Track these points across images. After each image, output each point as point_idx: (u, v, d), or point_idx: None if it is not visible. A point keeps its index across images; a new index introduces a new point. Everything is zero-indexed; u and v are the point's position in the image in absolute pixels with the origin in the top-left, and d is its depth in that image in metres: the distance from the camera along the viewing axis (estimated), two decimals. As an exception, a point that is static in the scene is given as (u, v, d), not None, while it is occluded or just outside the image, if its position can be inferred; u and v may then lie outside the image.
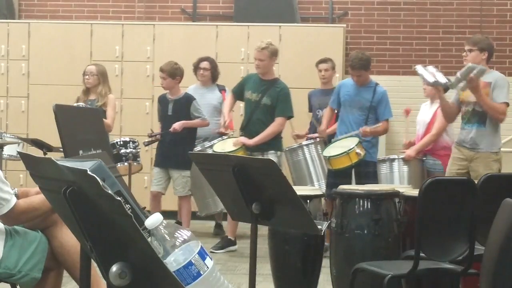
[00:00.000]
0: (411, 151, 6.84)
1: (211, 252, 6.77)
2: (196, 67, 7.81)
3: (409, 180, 6.60)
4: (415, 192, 4.23)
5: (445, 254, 3.59)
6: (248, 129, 6.75)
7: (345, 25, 9.63)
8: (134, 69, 9.34)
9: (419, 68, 5.84)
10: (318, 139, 7.12)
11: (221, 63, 8.47)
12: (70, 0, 10.19)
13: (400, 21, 9.84)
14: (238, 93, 6.93)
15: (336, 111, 6.93)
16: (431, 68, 5.85)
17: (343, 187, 4.87)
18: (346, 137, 6.53)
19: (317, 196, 5.05)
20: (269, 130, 6.65)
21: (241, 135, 6.82)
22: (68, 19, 10.02)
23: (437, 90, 5.83)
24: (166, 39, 9.35)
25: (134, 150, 7.41)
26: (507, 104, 5.71)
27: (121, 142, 7.42)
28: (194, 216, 8.26)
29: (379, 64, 9.79)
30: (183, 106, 7.23)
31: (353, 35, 9.86)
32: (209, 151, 6.86)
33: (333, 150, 6.41)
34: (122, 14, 10.13)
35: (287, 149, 7.19)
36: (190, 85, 7.82)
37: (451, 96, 6.05)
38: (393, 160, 6.76)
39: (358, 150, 6.25)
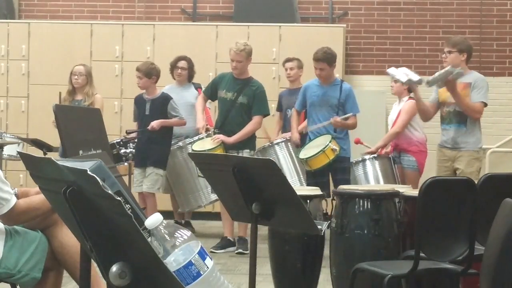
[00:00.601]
0: (373, 148, 6.86)
1: (211, 252, 6.78)
2: (174, 66, 7.87)
3: (384, 179, 6.61)
4: (415, 192, 4.23)
5: (445, 254, 3.59)
6: (224, 127, 6.81)
7: (345, 25, 9.63)
8: (134, 69, 9.32)
9: (391, 70, 5.99)
10: (289, 138, 7.14)
11: (220, 63, 8.49)
12: (70, 0, 10.19)
13: (400, 21, 9.84)
14: (210, 94, 7.01)
15: (304, 111, 6.98)
16: (403, 68, 5.98)
17: (343, 187, 4.87)
18: (317, 136, 6.56)
19: (317, 196, 5.05)
20: (248, 129, 6.74)
21: (217, 133, 6.85)
22: (68, 19, 10.02)
23: (412, 88, 5.96)
24: (166, 39, 9.35)
25: (134, 150, 7.41)
26: (485, 104, 5.84)
27: (121, 142, 7.42)
28: (197, 216, 8.29)
29: (379, 64, 9.79)
30: (160, 106, 7.30)
31: (353, 35, 9.86)
32: (189, 148, 6.98)
33: (308, 151, 6.45)
34: (122, 14, 10.13)
35: (258, 150, 7.22)
36: (166, 85, 7.88)
37: (427, 95, 6.11)
38: (364, 160, 6.76)
39: (333, 146, 6.30)
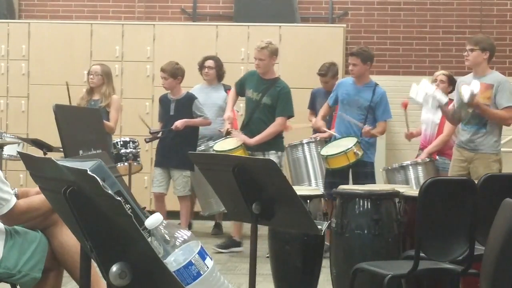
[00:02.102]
0: (423, 155, 6.82)
1: (214, 250, 6.77)
2: (201, 66, 7.81)
3: None
4: (415, 192, 4.23)
5: (445, 254, 3.60)
6: (248, 128, 6.73)
7: (345, 25, 9.63)
8: (134, 69, 9.34)
9: (414, 94, 5.84)
10: (319, 139, 7.11)
11: (221, 63, 8.46)
12: (70, 0, 10.19)
13: (400, 21, 9.84)
14: (240, 88, 6.91)
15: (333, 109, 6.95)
16: (424, 84, 5.86)
17: (343, 187, 4.87)
18: (346, 133, 6.52)
19: (317, 196, 5.05)
20: (270, 130, 6.63)
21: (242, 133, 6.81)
22: (68, 19, 10.01)
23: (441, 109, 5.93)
24: (166, 39, 9.35)
25: (134, 150, 7.41)
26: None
27: (121, 142, 7.42)
28: (196, 216, 8.27)
29: (379, 64, 9.78)
30: (185, 106, 7.22)
31: (353, 35, 9.85)
32: (211, 151, 6.85)
33: (331, 149, 6.40)
34: (122, 14, 10.13)
35: (288, 145, 7.18)
36: (192, 85, 7.82)
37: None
38: (406, 167, 6.70)
39: (356, 150, 6.24)
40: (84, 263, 2.37)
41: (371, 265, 3.82)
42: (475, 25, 9.71)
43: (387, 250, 4.42)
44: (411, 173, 6.69)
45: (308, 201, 4.85)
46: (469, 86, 5.58)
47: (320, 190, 5.39)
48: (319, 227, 3.08)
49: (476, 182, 3.71)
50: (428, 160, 6.74)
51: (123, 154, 7.32)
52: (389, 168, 6.85)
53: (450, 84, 6.84)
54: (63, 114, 3.33)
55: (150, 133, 7.33)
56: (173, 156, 7.14)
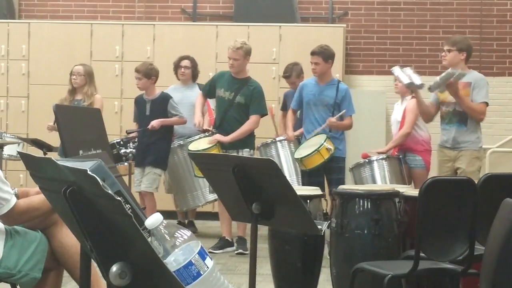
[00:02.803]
0: (384, 148, 6.83)
1: (210, 252, 6.77)
2: (177, 66, 7.88)
3: (391, 179, 6.58)
4: (415, 192, 4.23)
5: (445, 254, 3.59)
6: (222, 127, 6.82)
7: (345, 25, 9.63)
8: (134, 69, 9.33)
9: (395, 69, 6.00)
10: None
11: (221, 63, 8.48)
12: (70, 0, 10.19)
13: (400, 21, 9.84)
14: (208, 92, 7.01)
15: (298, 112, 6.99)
16: (407, 69, 5.99)
17: (343, 187, 4.87)
18: (313, 136, 6.55)
19: (317, 196, 5.05)
20: (245, 128, 6.74)
21: (214, 133, 6.86)
22: (68, 19, 10.01)
23: (414, 91, 5.95)
24: (166, 39, 9.35)
25: (134, 150, 7.41)
26: (487, 104, 5.86)
27: (121, 142, 7.42)
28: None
29: (379, 64, 9.79)
30: (160, 106, 7.32)
31: (353, 35, 9.85)
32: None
33: (303, 151, 6.45)
34: (122, 14, 10.13)
35: (261, 145, 7.24)
36: (171, 85, 7.89)
37: (428, 95, 6.11)
38: (371, 162, 6.71)
39: (328, 146, 6.30)
40: (84, 263, 2.37)
41: (371, 265, 3.82)
42: (475, 25, 9.71)
43: (387, 250, 4.42)
44: (376, 168, 6.68)
45: (308, 201, 4.85)
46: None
47: (319, 190, 5.38)
48: (319, 227, 3.08)
49: (476, 182, 3.71)
50: (387, 156, 6.70)
51: (123, 154, 7.33)
52: (353, 166, 6.77)
53: None
54: (63, 114, 3.34)
55: (127, 133, 7.41)
56: (148, 154, 7.25)
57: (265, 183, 3.06)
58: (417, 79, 5.82)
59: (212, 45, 9.22)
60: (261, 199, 3.05)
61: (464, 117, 5.80)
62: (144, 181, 7.28)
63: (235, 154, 6.44)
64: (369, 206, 4.47)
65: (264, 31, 9.08)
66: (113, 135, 7.66)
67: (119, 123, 9.07)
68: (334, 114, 6.57)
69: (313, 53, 6.67)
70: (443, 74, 5.63)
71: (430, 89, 5.77)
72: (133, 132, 7.39)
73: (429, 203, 3.52)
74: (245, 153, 6.71)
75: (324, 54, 6.62)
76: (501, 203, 2.42)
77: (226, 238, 6.94)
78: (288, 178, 6.90)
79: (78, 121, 3.60)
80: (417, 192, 3.65)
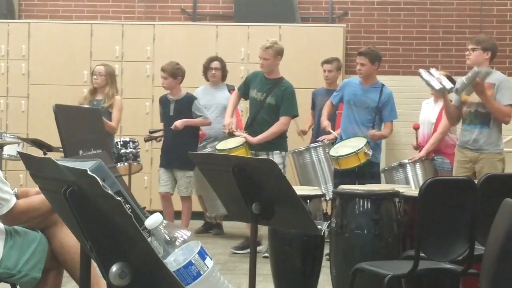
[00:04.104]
0: (421, 153, 6.82)
1: (234, 252, 6.73)
2: (207, 67, 7.79)
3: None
4: (415, 192, 4.23)
5: (445, 254, 3.59)
6: (253, 128, 6.67)
7: (345, 25, 9.62)
8: (134, 69, 9.34)
9: (423, 73, 5.77)
10: (326, 141, 7.11)
11: (221, 63, 8.46)
12: (70, 0, 10.19)
13: (400, 21, 9.84)
14: (243, 91, 6.86)
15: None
16: (434, 71, 5.80)
17: (343, 187, 4.87)
18: (351, 136, 6.50)
19: (317, 196, 5.05)
20: (273, 129, 6.58)
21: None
22: (68, 19, 10.01)
23: (443, 95, 5.81)
24: (166, 39, 9.35)
25: (134, 150, 7.41)
26: None
27: (121, 142, 7.42)
28: (197, 216, 8.28)
29: (379, 64, 9.78)
30: (185, 106, 7.22)
31: (353, 35, 9.85)
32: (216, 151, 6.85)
33: (341, 149, 6.35)
34: (122, 14, 10.13)
35: (294, 151, 7.19)
36: (192, 85, 7.83)
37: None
38: (404, 165, 6.71)
39: (366, 150, 6.22)
40: (84, 263, 2.37)
41: (371, 265, 3.82)
42: (475, 25, 9.71)
43: (387, 250, 4.42)
44: (409, 171, 6.69)
45: (308, 201, 4.85)
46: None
47: (320, 190, 5.38)
48: (319, 227, 3.08)
49: (476, 182, 3.71)
50: (424, 159, 6.74)
51: (123, 154, 7.32)
52: (386, 168, 6.84)
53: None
54: (63, 114, 3.33)
55: (149, 132, 7.36)
56: (174, 156, 7.14)
57: (265, 183, 3.06)
58: (448, 83, 5.68)
59: (212, 45, 9.22)
60: (261, 199, 3.05)
61: (487, 118, 5.67)
62: (179, 186, 7.22)
63: (265, 156, 6.29)
64: (369, 206, 4.47)
65: (264, 31, 9.08)
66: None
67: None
68: (375, 119, 6.49)
69: (360, 54, 6.58)
70: (468, 74, 5.46)
71: (457, 91, 5.62)
72: (155, 132, 7.34)
73: (429, 203, 3.52)
74: (276, 155, 6.51)
75: (371, 56, 6.52)
76: (501, 203, 2.42)
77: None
78: (323, 185, 6.97)
79: (78, 121, 3.60)
80: (417, 192, 3.65)
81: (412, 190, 4.83)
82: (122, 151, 7.33)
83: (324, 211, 5.16)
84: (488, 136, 5.69)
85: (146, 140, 7.41)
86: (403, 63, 9.77)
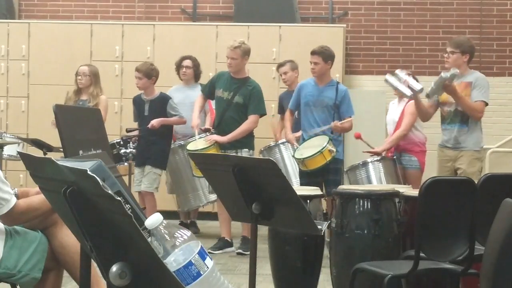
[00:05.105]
0: (378, 148, 6.82)
1: (209, 252, 6.74)
2: (179, 66, 7.89)
3: (387, 180, 6.58)
4: (415, 192, 4.23)
5: (445, 254, 3.59)
6: (221, 127, 6.80)
7: (345, 25, 9.63)
8: (134, 69, 9.33)
9: (389, 78, 5.92)
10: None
11: (221, 63, 8.47)
12: (70, 0, 10.19)
13: (400, 21, 9.84)
14: (208, 92, 6.99)
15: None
16: (400, 72, 5.94)
17: (343, 187, 4.87)
18: (312, 136, 6.52)
19: (317, 196, 5.05)
20: (243, 128, 6.71)
21: (213, 133, 6.85)
22: (68, 19, 10.02)
23: (415, 98, 5.94)
24: (166, 39, 9.35)
25: (134, 150, 7.41)
26: (485, 103, 5.88)
27: (121, 142, 7.42)
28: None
29: (379, 64, 9.79)
30: (159, 106, 7.32)
31: (353, 35, 9.86)
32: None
33: (305, 151, 6.40)
34: (122, 14, 10.13)
35: (264, 148, 7.25)
36: (173, 85, 7.91)
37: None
38: (366, 163, 6.71)
39: (330, 148, 6.28)
40: (84, 263, 2.37)
41: (371, 265, 3.82)
42: (475, 25, 9.71)
43: (387, 250, 4.42)
44: (371, 169, 6.68)
45: (308, 201, 4.85)
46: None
47: (319, 190, 5.38)
48: (319, 227, 3.08)
49: (476, 182, 3.71)
50: (382, 157, 6.70)
51: (123, 154, 7.32)
52: (349, 168, 6.78)
53: None
54: (63, 114, 3.33)
55: (127, 131, 7.40)
56: (147, 154, 7.25)
57: (265, 183, 3.06)
58: (416, 84, 5.83)
59: (212, 45, 9.22)
60: (261, 199, 3.05)
61: (465, 117, 5.83)
62: (144, 181, 7.28)
63: (233, 154, 6.43)
64: (369, 206, 4.47)
65: (264, 31, 9.09)
66: (113, 135, 7.65)
67: (119, 123, 9.07)
68: (334, 116, 6.55)
69: (313, 53, 6.66)
70: (436, 80, 5.69)
71: (428, 96, 5.83)
72: (133, 131, 7.39)
73: (429, 203, 3.52)
74: (244, 153, 6.69)
75: (324, 54, 6.60)
76: (501, 203, 2.42)
77: (225, 238, 6.93)
78: (294, 180, 6.99)
79: (78, 121, 3.59)
80: (417, 192, 3.65)
81: (412, 190, 4.83)
82: (122, 151, 7.34)
83: (324, 211, 5.15)
84: (467, 134, 5.86)
85: (123, 140, 7.35)
86: (403, 63, 9.76)
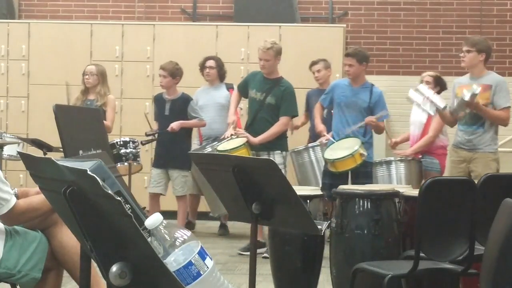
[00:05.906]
0: (407, 151, 6.81)
1: (240, 254, 6.70)
2: (202, 66, 7.82)
3: (407, 181, 6.57)
4: (415, 192, 4.23)
5: (445, 254, 3.59)
6: (253, 128, 6.68)
7: (345, 25, 9.62)
8: (134, 69, 9.34)
9: (413, 96, 5.87)
10: (324, 141, 7.09)
11: (221, 63, 8.46)
12: (70, 0, 10.19)
13: (400, 21, 9.84)
14: (243, 90, 6.88)
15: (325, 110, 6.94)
16: (422, 87, 5.89)
17: (343, 187, 4.86)
18: (345, 137, 6.47)
19: (317, 196, 5.04)
20: (274, 129, 6.60)
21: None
22: (68, 19, 10.02)
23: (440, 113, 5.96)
24: (166, 39, 9.35)
25: (134, 150, 7.41)
26: (510, 108, 5.77)
27: (121, 142, 7.42)
28: (203, 216, 8.30)
29: (379, 64, 9.79)
30: (180, 106, 7.27)
31: (353, 35, 9.85)
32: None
33: (335, 152, 6.30)
34: (122, 14, 10.13)
35: (293, 151, 7.20)
36: (191, 85, 7.87)
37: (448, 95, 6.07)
38: (389, 162, 6.71)
39: (362, 151, 6.20)
40: (84, 263, 2.37)
41: (371, 265, 3.82)
42: (475, 25, 9.71)
43: (387, 250, 4.42)
44: (393, 169, 6.67)
45: (308, 201, 4.85)
46: (470, 89, 5.63)
47: (319, 190, 5.37)
48: (319, 227, 3.08)
49: (476, 182, 3.71)
50: (410, 158, 6.71)
51: (123, 154, 7.32)
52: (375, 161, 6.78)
53: (437, 85, 6.83)
54: (63, 114, 3.33)
55: (146, 135, 7.37)
56: (170, 157, 7.19)
57: (265, 183, 3.06)
58: (439, 102, 5.77)
59: (212, 45, 9.22)
60: (261, 199, 3.05)
61: (482, 118, 5.77)
62: (175, 186, 7.26)
63: (266, 157, 6.29)
64: (369, 206, 4.47)
65: (264, 31, 9.08)
66: (113, 135, 7.66)
67: (119, 123, 9.06)
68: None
69: (347, 55, 6.55)
70: (456, 104, 5.70)
71: (452, 114, 5.81)
72: (151, 135, 7.34)
73: (429, 203, 3.52)
74: (277, 155, 6.54)
75: (358, 56, 6.47)
76: (501, 203, 2.42)
77: (257, 239, 6.84)
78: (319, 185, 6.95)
79: (78, 121, 3.59)
80: (417, 192, 3.64)
81: (412, 190, 4.83)
82: (122, 151, 7.34)
83: (325, 211, 5.15)
84: (483, 136, 5.78)
85: (144, 143, 7.39)
86: (403, 63, 9.77)
